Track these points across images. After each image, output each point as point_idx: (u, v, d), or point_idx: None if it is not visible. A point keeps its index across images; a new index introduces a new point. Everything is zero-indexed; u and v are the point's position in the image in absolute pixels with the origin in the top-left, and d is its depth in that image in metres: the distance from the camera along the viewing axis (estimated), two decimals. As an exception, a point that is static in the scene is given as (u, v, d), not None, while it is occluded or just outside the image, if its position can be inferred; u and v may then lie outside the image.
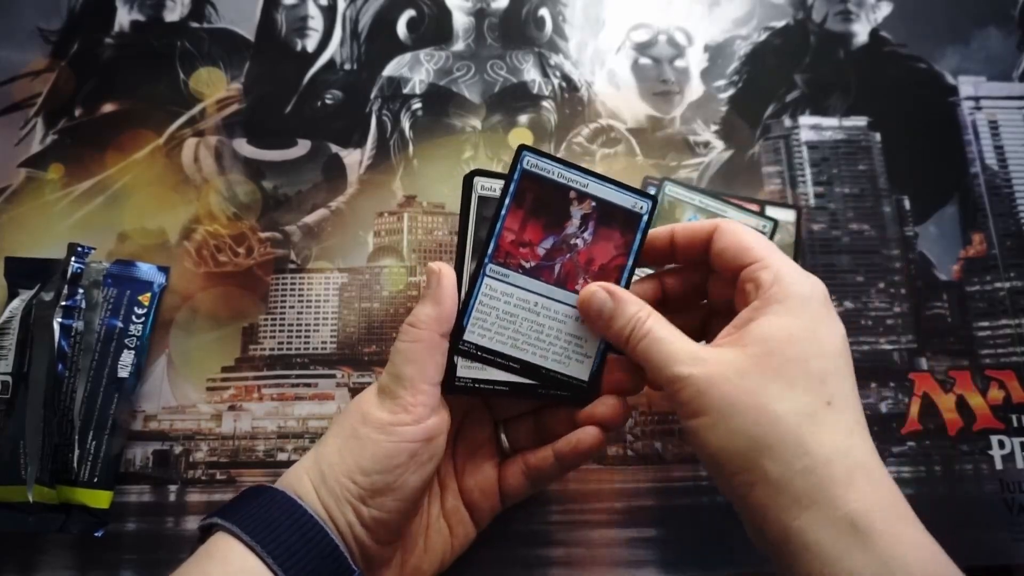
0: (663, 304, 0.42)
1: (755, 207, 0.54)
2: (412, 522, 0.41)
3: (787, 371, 0.35)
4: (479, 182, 0.42)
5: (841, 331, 0.37)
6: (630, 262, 0.41)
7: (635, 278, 0.42)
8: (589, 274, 0.41)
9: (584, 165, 0.56)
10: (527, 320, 0.41)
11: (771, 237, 0.52)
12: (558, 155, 0.57)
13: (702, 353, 0.36)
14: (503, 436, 0.44)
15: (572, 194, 0.41)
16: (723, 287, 0.41)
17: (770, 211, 0.54)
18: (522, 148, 0.41)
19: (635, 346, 0.38)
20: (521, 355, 0.41)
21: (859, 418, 0.35)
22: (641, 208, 0.41)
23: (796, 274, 0.37)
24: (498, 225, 0.41)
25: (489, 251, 0.41)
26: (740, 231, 0.39)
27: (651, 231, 0.41)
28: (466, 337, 0.41)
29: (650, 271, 0.44)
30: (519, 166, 0.41)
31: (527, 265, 0.41)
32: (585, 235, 0.41)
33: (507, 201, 0.41)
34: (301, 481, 0.38)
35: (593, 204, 0.41)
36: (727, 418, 0.34)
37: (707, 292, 0.43)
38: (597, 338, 0.41)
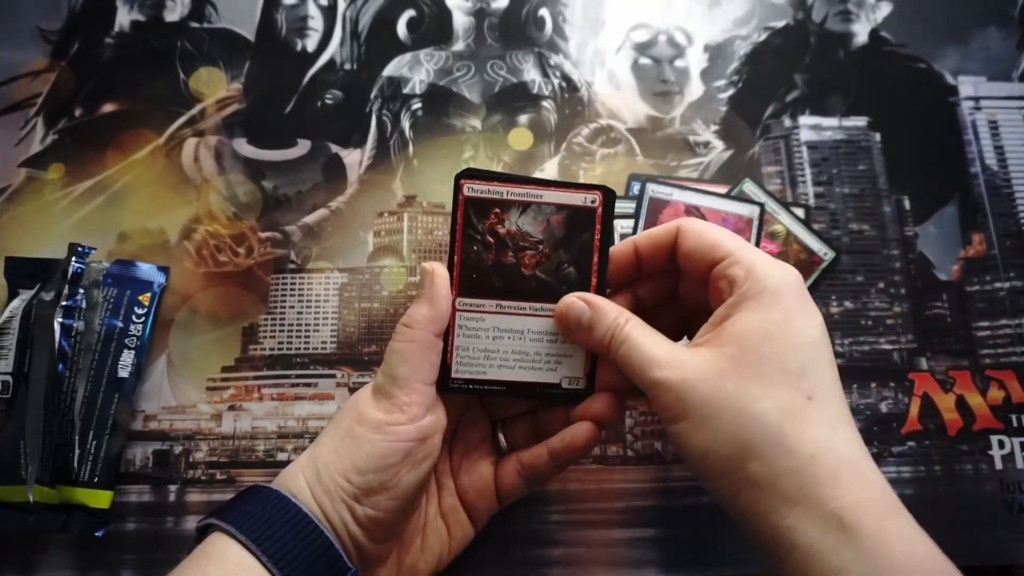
0: (640, 312, 0.40)
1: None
2: (409, 521, 0.41)
3: (764, 369, 0.34)
4: (467, 184, 0.41)
5: (817, 320, 0.36)
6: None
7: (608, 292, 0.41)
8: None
9: (584, 165, 0.57)
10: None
11: (834, 259, 0.52)
12: (558, 155, 0.57)
13: (679, 355, 0.36)
14: (500, 436, 0.44)
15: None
16: (696, 288, 0.40)
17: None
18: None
19: (616, 353, 0.38)
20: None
21: (842, 411, 0.34)
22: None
23: (768, 266, 0.36)
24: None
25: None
26: (704, 229, 0.38)
27: (613, 248, 0.41)
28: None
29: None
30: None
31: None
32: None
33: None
34: (296, 480, 0.38)
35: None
36: (708, 421, 0.34)
37: (680, 295, 0.42)
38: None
